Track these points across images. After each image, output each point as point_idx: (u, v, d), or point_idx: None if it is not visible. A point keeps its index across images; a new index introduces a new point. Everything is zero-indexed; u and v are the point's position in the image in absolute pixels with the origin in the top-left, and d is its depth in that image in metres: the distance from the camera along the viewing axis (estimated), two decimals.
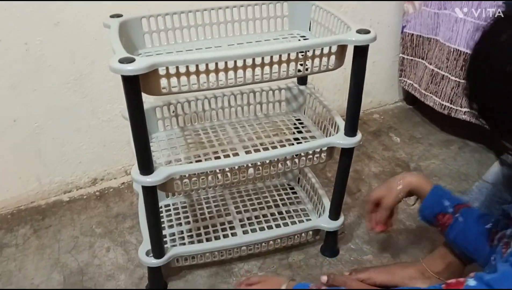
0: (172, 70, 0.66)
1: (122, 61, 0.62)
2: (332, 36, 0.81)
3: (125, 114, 0.90)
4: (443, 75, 1.32)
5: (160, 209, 1.07)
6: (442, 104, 1.34)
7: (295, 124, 1.02)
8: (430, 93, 1.38)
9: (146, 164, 0.73)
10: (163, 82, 0.67)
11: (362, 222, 1.09)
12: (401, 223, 1.08)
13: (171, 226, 1.03)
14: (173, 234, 1.01)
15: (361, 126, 1.11)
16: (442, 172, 1.28)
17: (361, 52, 0.74)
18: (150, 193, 0.76)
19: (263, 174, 0.84)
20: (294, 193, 1.16)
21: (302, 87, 1.04)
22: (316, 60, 0.74)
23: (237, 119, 1.04)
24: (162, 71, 0.65)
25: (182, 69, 0.66)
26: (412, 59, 1.46)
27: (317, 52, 0.73)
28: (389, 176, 1.20)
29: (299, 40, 0.92)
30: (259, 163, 0.82)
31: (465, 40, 1.23)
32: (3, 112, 1.03)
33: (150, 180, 0.73)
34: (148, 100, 0.96)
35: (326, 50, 0.73)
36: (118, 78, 0.63)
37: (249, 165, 0.81)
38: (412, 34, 1.41)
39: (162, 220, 1.03)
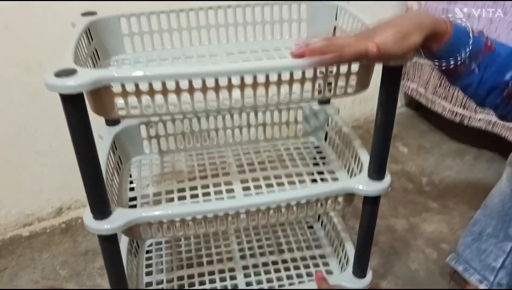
0: (131, 88, 0.53)
1: (60, 74, 0.50)
2: None
3: (102, 132, 0.81)
4: None
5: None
6: (453, 111, 1.29)
7: (311, 152, 0.88)
8: (439, 98, 1.32)
9: (99, 205, 0.61)
10: (119, 101, 0.55)
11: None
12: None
13: (149, 273, 0.92)
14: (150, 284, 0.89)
15: (363, 136, 1.05)
16: (459, 186, 1.22)
17: (393, 73, 0.59)
18: (107, 243, 0.64)
19: (260, 222, 0.70)
20: (313, 233, 1.03)
21: (319, 107, 0.90)
22: (341, 80, 0.60)
23: (236, 143, 0.91)
24: (116, 89, 0.53)
25: (144, 87, 0.53)
26: (416, 61, 1.39)
27: (343, 70, 0.59)
28: (400, 193, 1.20)
29: None
30: (252, 209, 0.68)
31: None
32: None
33: (107, 227, 0.61)
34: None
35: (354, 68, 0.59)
36: None
37: (240, 211, 0.68)
38: None
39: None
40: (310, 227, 1.05)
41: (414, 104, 1.58)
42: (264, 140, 0.93)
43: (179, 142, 0.89)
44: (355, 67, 0.59)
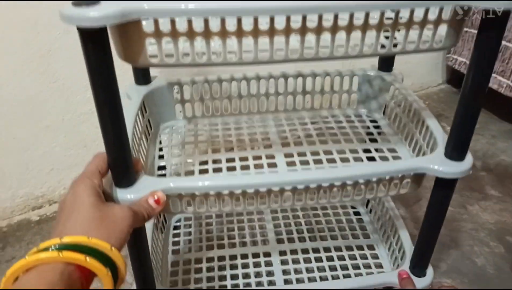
0: (166, 26, 0.43)
1: (79, 3, 0.40)
2: None
3: (130, 91, 0.72)
4: None
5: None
6: None
7: (368, 127, 0.76)
8: (494, 72, 1.19)
9: (121, 172, 0.51)
10: (151, 45, 0.44)
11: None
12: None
13: (175, 251, 0.83)
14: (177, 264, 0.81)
15: None
16: None
17: (497, 22, 0.47)
18: None
19: (307, 202, 0.60)
20: (359, 219, 0.92)
21: (378, 74, 0.78)
22: (414, 31, 0.48)
23: (279, 112, 0.80)
24: (148, 27, 0.43)
25: (182, 25, 0.43)
26: (466, 31, 1.27)
27: (418, 17, 0.47)
28: None
29: None
30: (300, 187, 0.57)
31: None
32: None
33: (130, 196, 0.52)
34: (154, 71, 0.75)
35: (433, 14, 0.47)
36: None
37: (286, 187, 0.57)
38: None
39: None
40: (356, 211, 0.94)
41: (457, 80, 1.47)
42: (311, 109, 0.81)
43: (215, 108, 0.78)
44: (446, 13, 0.46)
